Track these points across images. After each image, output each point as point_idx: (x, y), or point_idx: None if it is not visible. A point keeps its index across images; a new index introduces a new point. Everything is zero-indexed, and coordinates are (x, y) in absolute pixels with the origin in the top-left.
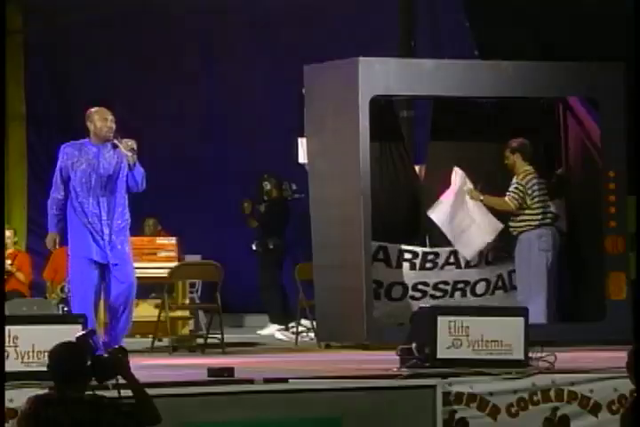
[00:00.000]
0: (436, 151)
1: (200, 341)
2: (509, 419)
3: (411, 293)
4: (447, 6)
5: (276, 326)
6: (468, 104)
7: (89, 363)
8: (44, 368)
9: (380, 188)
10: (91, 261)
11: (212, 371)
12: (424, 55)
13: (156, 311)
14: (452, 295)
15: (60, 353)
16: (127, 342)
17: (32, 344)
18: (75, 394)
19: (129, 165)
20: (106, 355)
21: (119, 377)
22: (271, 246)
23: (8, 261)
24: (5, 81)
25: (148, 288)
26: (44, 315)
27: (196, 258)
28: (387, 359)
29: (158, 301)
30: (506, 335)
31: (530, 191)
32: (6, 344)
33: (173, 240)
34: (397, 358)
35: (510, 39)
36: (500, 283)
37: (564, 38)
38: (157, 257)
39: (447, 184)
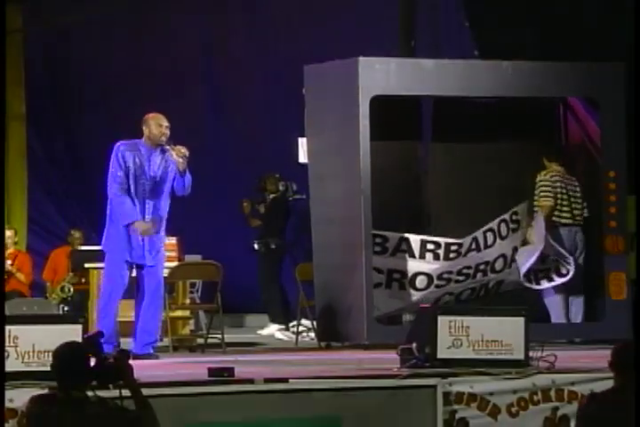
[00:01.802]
0: (436, 152)
1: (200, 341)
2: (510, 419)
3: (436, 282)
4: (447, 6)
5: (277, 326)
6: (468, 104)
7: (93, 365)
8: (45, 368)
9: (392, 181)
10: (125, 262)
11: (213, 371)
12: (424, 55)
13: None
14: (474, 277)
15: (65, 353)
16: (128, 342)
17: (32, 344)
18: (79, 394)
19: (179, 170)
20: (111, 360)
21: (121, 382)
22: (273, 246)
23: (8, 262)
24: (5, 81)
25: None
26: (44, 315)
27: (197, 258)
28: (387, 359)
29: None
30: (506, 335)
31: (556, 186)
32: (6, 344)
33: (174, 240)
34: (398, 357)
35: (510, 39)
36: (515, 255)
37: (564, 38)
38: None
39: (447, 184)
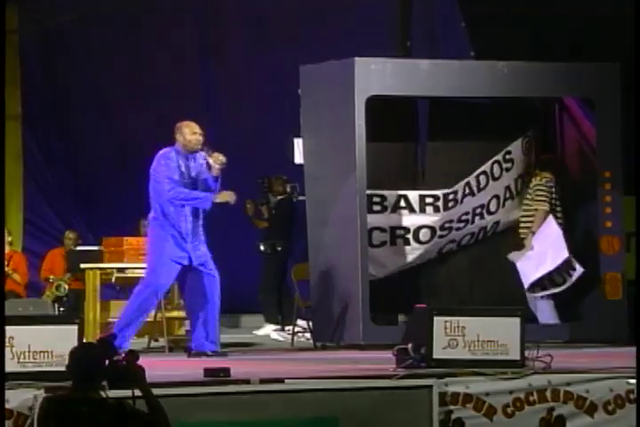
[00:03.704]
0: (434, 152)
1: None
2: (505, 419)
3: (439, 233)
4: (443, 7)
5: (272, 327)
6: (464, 104)
7: (106, 366)
8: (40, 368)
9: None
10: (173, 262)
11: (209, 371)
12: (420, 55)
13: (152, 312)
14: (472, 222)
15: (80, 353)
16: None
17: (28, 345)
18: (95, 395)
19: (213, 175)
20: (124, 362)
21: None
22: (279, 248)
23: None
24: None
25: None
26: (39, 315)
27: None
28: (383, 360)
29: None
30: (502, 335)
31: (552, 191)
32: None
33: None
34: (393, 358)
35: (506, 39)
36: (507, 194)
37: (560, 38)
38: None
39: (446, 184)
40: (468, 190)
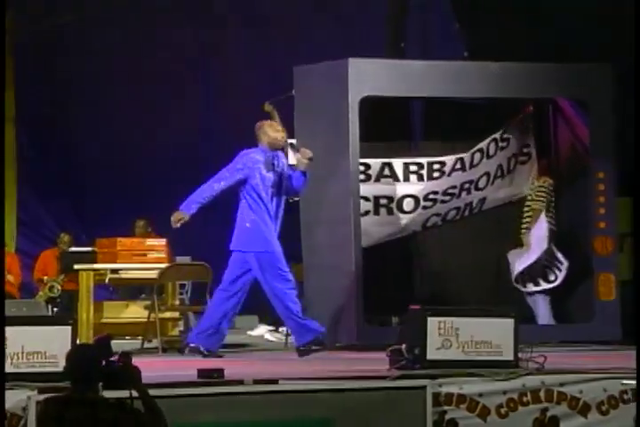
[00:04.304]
0: (428, 152)
1: None
2: (499, 420)
3: (422, 203)
4: (437, 7)
5: (266, 327)
6: (459, 105)
7: (102, 367)
8: (34, 369)
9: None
10: (265, 253)
11: (202, 372)
12: (414, 56)
13: (146, 312)
14: (459, 196)
15: (78, 354)
16: (117, 344)
17: (21, 346)
18: (94, 396)
19: (300, 171)
20: (120, 363)
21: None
22: None
23: None
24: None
25: (138, 289)
26: (33, 316)
27: (186, 259)
28: (377, 360)
29: (148, 302)
30: (495, 336)
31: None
32: None
33: (163, 241)
34: (387, 359)
35: (500, 40)
36: (499, 172)
37: (554, 39)
38: (147, 258)
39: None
40: (459, 165)
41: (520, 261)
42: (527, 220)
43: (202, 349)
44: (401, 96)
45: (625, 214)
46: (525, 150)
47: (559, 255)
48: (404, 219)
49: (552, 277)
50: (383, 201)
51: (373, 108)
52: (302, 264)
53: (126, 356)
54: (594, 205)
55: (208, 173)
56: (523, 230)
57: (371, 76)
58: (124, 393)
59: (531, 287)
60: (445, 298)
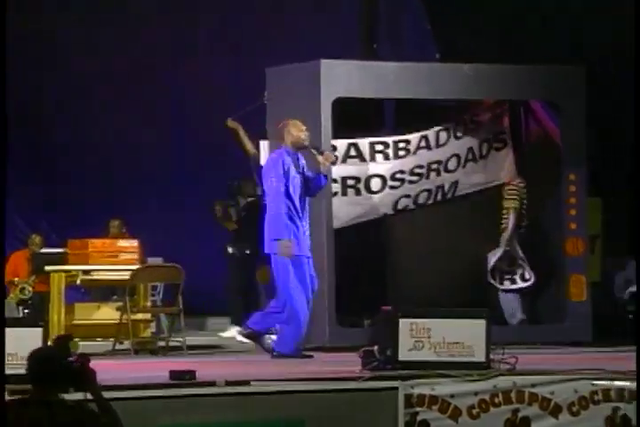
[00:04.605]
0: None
1: (162, 343)
2: (470, 421)
3: (390, 183)
4: (409, 9)
5: (238, 329)
6: (431, 106)
7: (59, 368)
8: (5, 371)
9: None
10: (303, 257)
11: (174, 374)
12: (386, 57)
13: (118, 314)
14: (427, 177)
15: (38, 356)
16: (88, 346)
17: None
18: (53, 398)
19: (323, 173)
20: (78, 364)
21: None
22: (248, 251)
23: None
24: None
25: (109, 291)
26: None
27: (158, 261)
28: (349, 362)
29: (120, 303)
30: (467, 337)
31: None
32: None
33: (135, 243)
34: (359, 360)
35: (472, 42)
36: (470, 155)
37: (526, 41)
38: (119, 259)
39: None
40: (424, 143)
41: (492, 259)
42: (505, 220)
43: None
44: (373, 98)
45: (594, 215)
46: (500, 137)
47: (522, 254)
48: (373, 199)
49: (528, 276)
50: (350, 182)
51: (346, 107)
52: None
53: (84, 357)
54: (565, 207)
55: (180, 173)
56: (501, 230)
57: (343, 78)
58: (78, 395)
59: (507, 285)
60: (418, 298)
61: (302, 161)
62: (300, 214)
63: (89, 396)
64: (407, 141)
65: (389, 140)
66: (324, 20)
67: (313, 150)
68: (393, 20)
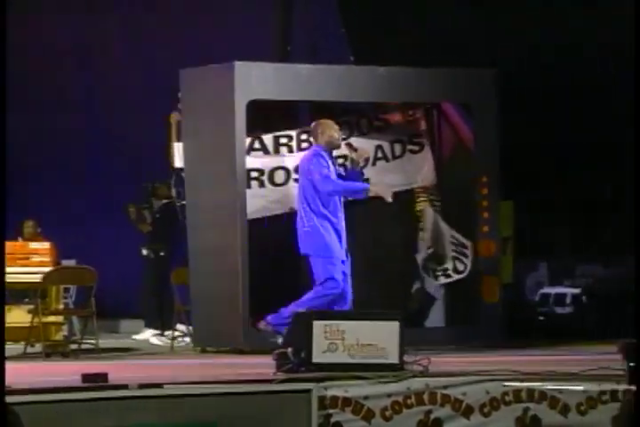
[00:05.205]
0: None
1: (74, 346)
2: (384, 422)
3: (294, 175)
4: (323, 11)
5: (152, 331)
6: (344, 108)
7: None
8: None
9: None
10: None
11: (86, 377)
12: (300, 60)
13: (29, 317)
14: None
15: None
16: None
17: None
18: None
19: (357, 171)
20: None
21: None
22: (162, 253)
23: None
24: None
25: (21, 293)
26: None
27: (72, 263)
28: (263, 364)
29: (32, 306)
30: (381, 339)
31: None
32: None
33: (47, 245)
34: (273, 362)
35: (386, 45)
36: (379, 153)
37: (439, 43)
38: (31, 262)
39: None
40: None
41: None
42: (421, 222)
43: None
44: (288, 100)
45: (506, 218)
46: (416, 140)
47: (461, 238)
48: (278, 192)
49: (461, 268)
50: (254, 174)
51: (261, 107)
52: (187, 268)
53: None
54: (477, 209)
55: (84, 177)
56: (420, 232)
57: (257, 80)
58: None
59: (443, 280)
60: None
61: (333, 159)
62: (337, 215)
63: None
64: (310, 133)
65: (293, 133)
66: (239, 21)
67: (347, 148)
68: (307, 22)
